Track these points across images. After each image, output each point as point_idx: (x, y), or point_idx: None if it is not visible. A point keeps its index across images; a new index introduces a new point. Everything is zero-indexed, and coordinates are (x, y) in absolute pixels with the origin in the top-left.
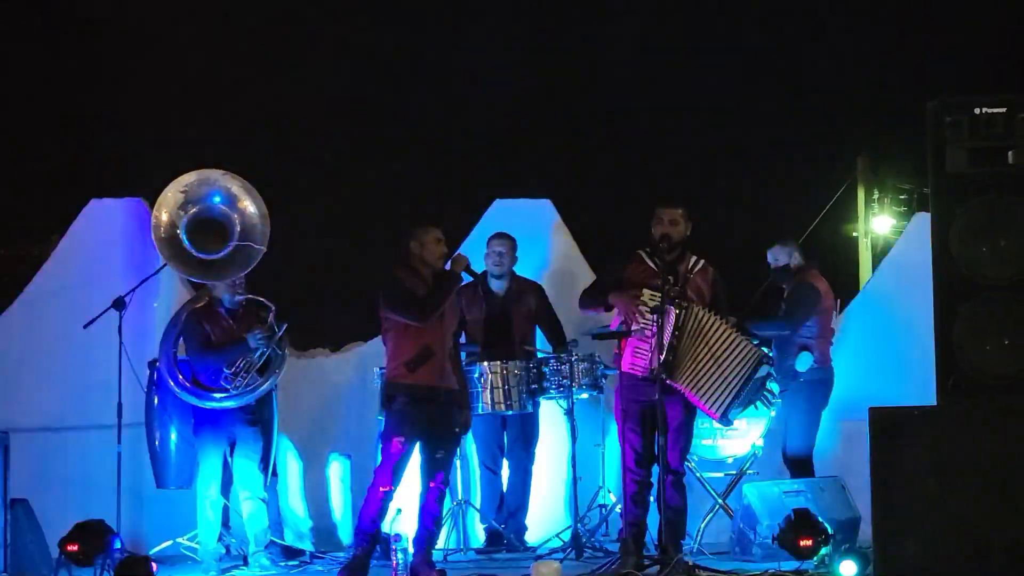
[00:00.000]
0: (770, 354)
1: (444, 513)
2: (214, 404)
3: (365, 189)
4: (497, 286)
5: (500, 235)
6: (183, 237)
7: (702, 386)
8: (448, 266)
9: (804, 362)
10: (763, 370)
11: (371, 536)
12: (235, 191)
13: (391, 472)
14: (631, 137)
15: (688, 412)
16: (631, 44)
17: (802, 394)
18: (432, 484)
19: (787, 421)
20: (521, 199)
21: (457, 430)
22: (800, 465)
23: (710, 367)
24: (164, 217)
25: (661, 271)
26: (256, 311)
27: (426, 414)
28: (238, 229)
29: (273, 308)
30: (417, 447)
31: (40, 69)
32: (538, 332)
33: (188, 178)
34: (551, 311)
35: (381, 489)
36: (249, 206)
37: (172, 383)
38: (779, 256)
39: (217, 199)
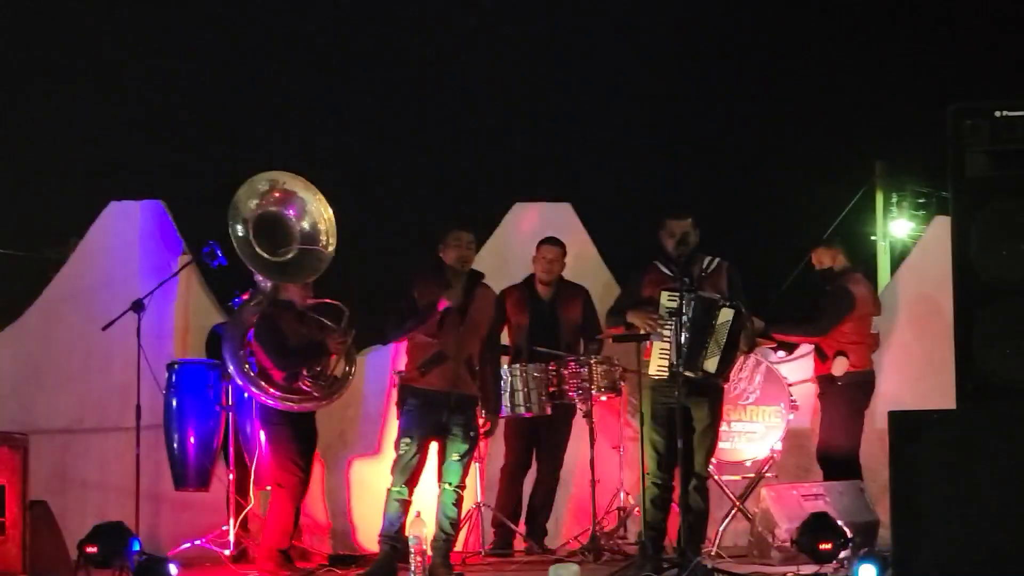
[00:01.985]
0: (726, 301)
1: (461, 516)
2: (296, 405)
3: (385, 192)
4: (544, 291)
5: (551, 241)
6: (251, 238)
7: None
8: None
9: (839, 366)
10: (723, 314)
11: (390, 538)
12: (301, 195)
13: (399, 472)
14: (651, 141)
15: (713, 415)
16: (650, 48)
17: (840, 397)
18: (448, 487)
19: (825, 423)
20: (541, 202)
21: (472, 434)
22: (841, 467)
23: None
24: (239, 219)
25: (676, 275)
26: (324, 313)
27: (436, 417)
28: (305, 232)
29: (347, 311)
30: (434, 449)
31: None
32: None
33: (260, 180)
34: (594, 315)
35: (389, 489)
36: (317, 210)
37: (254, 383)
38: (822, 259)
39: (289, 202)
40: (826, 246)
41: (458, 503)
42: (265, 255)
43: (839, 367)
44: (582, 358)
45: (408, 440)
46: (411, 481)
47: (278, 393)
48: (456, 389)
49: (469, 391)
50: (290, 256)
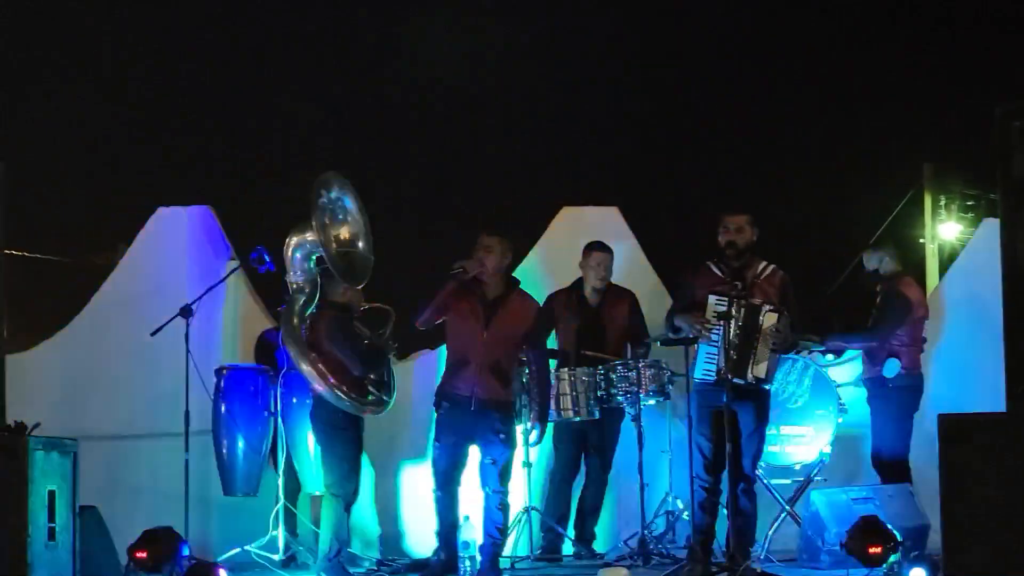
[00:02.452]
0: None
1: (509, 520)
2: (368, 410)
3: (433, 198)
4: (593, 295)
5: (601, 247)
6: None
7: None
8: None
9: (891, 368)
10: (768, 319)
11: (444, 540)
12: (352, 199)
13: (437, 475)
14: (699, 145)
15: (760, 419)
16: (700, 52)
17: (891, 400)
18: (491, 491)
19: (877, 426)
20: (589, 207)
21: (503, 437)
22: (893, 469)
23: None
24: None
25: (727, 277)
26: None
27: (463, 421)
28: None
29: (394, 314)
30: (472, 453)
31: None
32: None
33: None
34: (641, 319)
35: (435, 492)
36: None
37: (325, 387)
38: (870, 261)
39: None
40: (876, 249)
41: (501, 507)
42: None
43: (891, 370)
44: (630, 362)
45: (438, 444)
46: (448, 483)
47: (354, 396)
48: (478, 393)
49: (495, 396)
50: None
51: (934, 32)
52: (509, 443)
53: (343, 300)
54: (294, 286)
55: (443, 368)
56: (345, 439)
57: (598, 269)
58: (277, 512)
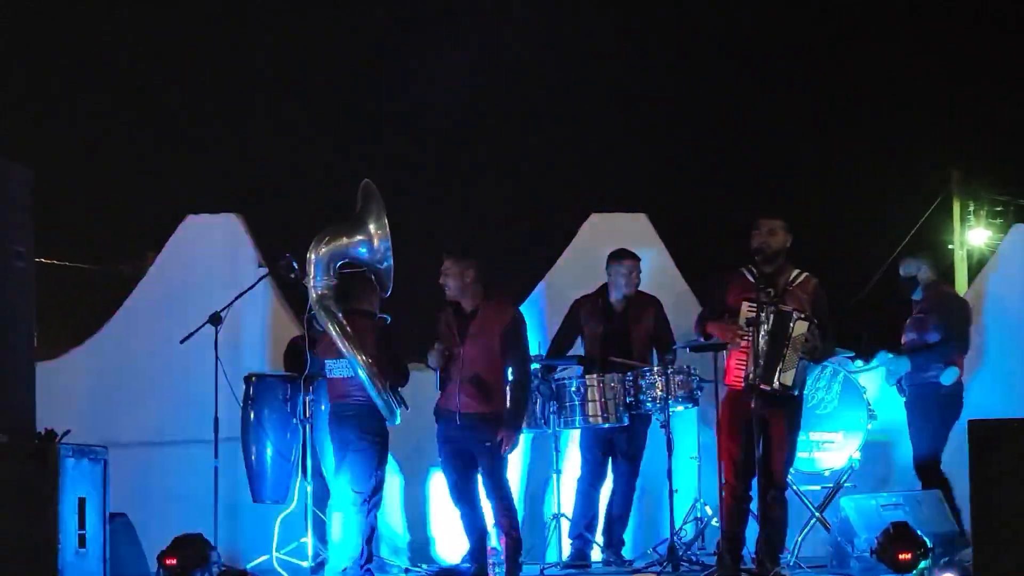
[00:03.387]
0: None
1: (517, 518)
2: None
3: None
4: (618, 302)
5: (627, 256)
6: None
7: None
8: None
9: (951, 376)
10: (798, 327)
11: (474, 554)
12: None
13: (450, 491)
14: (727, 151)
15: (791, 425)
16: (730, 59)
17: (941, 406)
18: (493, 501)
19: (922, 432)
20: (617, 213)
21: (488, 445)
22: (934, 473)
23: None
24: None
25: (759, 283)
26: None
27: (453, 436)
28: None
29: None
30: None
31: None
32: None
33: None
34: (667, 325)
35: (456, 508)
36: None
37: (380, 389)
38: (909, 268)
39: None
40: (914, 256)
41: (503, 511)
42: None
43: (950, 377)
44: (658, 368)
45: (440, 460)
46: (461, 497)
47: (395, 401)
48: (461, 410)
49: (476, 410)
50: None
51: (963, 39)
52: (497, 449)
53: (371, 308)
54: (316, 294)
55: None
56: (371, 443)
57: (630, 277)
58: (306, 519)
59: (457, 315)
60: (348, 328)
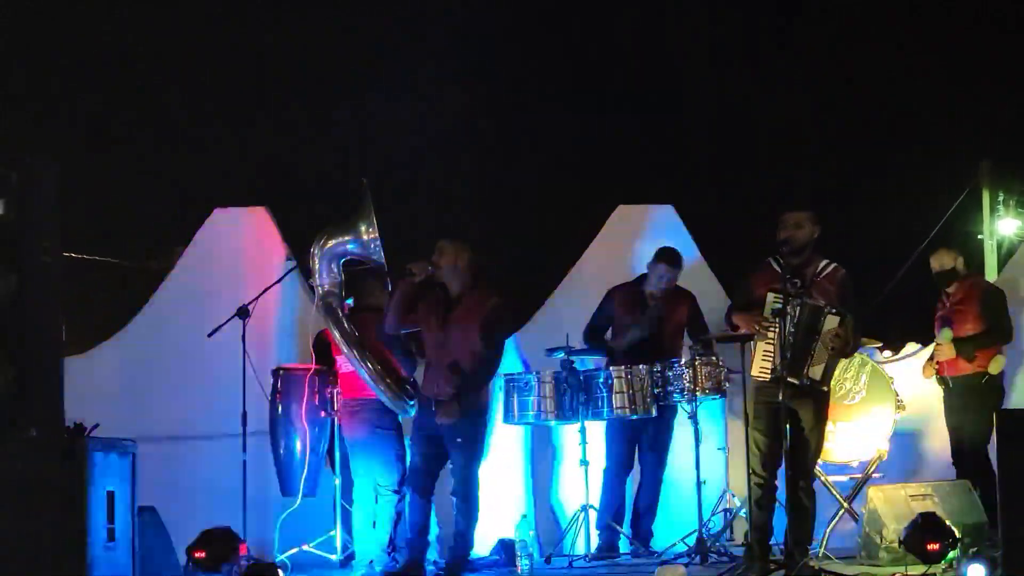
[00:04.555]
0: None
1: (473, 528)
2: (408, 408)
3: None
4: (652, 295)
5: (669, 259)
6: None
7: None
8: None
9: (998, 364)
10: (829, 321)
11: (411, 542)
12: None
13: (412, 480)
14: (755, 142)
15: (818, 416)
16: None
17: (985, 395)
18: (452, 496)
19: (966, 419)
20: (644, 204)
21: (460, 440)
22: (976, 461)
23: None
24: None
25: (786, 274)
26: None
27: (428, 422)
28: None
29: None
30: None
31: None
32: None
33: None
34: (700, 317)
35: (410, 497)
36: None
37: (383, 386)
38: (944, 260)
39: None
40: (948, 248)
41: (461, 513)
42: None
43: (997, 366)
44: (685, 360)
45: (412, 444)
46: (419, 484)
47: (403, 395)
48: (437, 396)
49: (449, 396)
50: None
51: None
52: (469, 449)
53: (378, 302)
54: (322, 290)
55: (503, 363)
56: (388, 437)
57: (656, 278)
58: (334, 512)
59: (442, 299)
60: (346, 325)
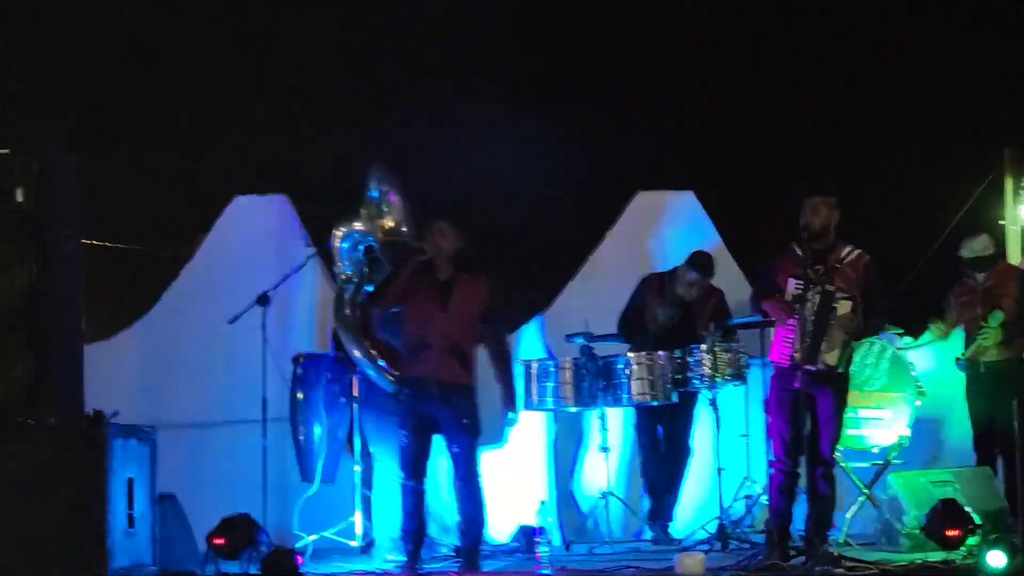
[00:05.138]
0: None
1: (485, 511)
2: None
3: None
4: (683, 290)
5: (701, 266)
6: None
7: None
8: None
9: None
10: (842, 306)
11: (412, 532)
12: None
13: (408, 466)
14: (776, 129)
15: (837, 402)
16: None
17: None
18: (458, 482)
19: (1005, 404)
20: (665, 191)
21: (466, 422)
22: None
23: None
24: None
25: (804, 261)
26: None
27: (426, 407)
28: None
29: None
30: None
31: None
32: None
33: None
34: (728, 313)
35: (403, 484)
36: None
37: (377, 372)
38: (975, 247)
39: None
40: (979, 235)
41: (471, 500)
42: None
43: None
44: (705, 346)
45: (406, 433)
46: (418, 472)
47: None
48: (440, 378)
49: (456, 380)
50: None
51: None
52: (473, 431)
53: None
54: (343, 277)
55: (521, 350)
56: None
57: (688, 289)
58: (355, 499)
59: (435, 281)
60: (348, 320)
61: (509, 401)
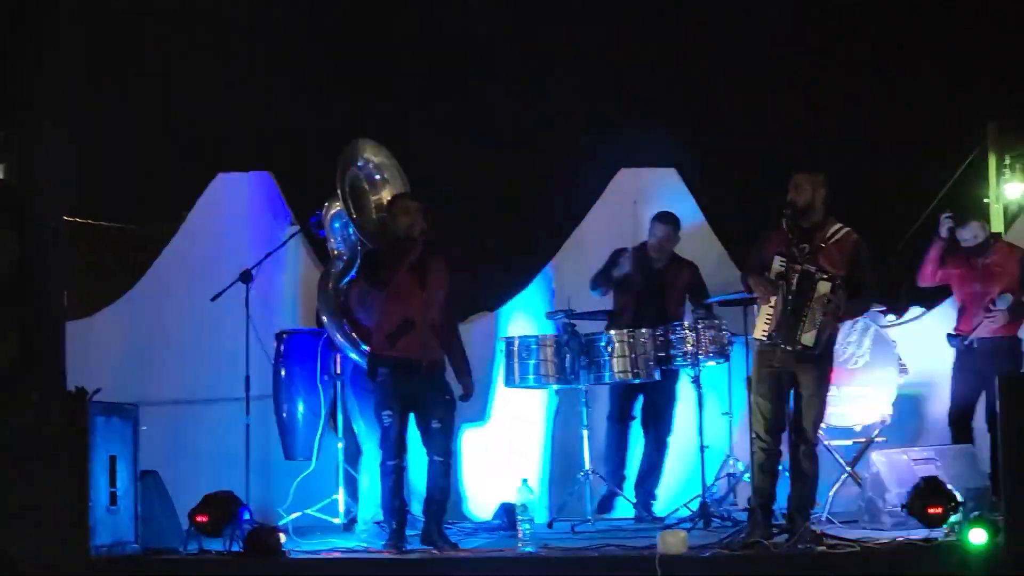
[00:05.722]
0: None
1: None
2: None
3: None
4: (656, 260)
5: (662, 219)
6: (350, 205)
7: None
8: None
9: None
10: (820, 287)
11: (397, 509)
12: (378, 161)
13: (392, 446)
14: (758, 105)
15: (820, 380)
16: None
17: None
18: (438, 459)
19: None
20: (647, 167)
21: (448, 398)
22: None
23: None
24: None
25: (791, 238)
26: None
27: (409, 386)
28: (377, 202)
29: None
30: (412, 421)
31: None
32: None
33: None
34: (703, 287)
35: (389, 463)
36: (394, 180)
37: (357, 355)
38: (967, 233)
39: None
40: (976, 219)
41: (447, 475)
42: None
43: None
44: (688, 323)
45: (390, 412)
46: (402, 453)
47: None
48: (426, 357)
49: (438, 357)
50: (374, 221)
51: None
52: (453, 406)
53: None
54: (334, 253)
55: (506, 332)
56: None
57: (655, 242)
58: (338, 476)
59: (413, 260)
60: (331, 300)
61: (467, 374)
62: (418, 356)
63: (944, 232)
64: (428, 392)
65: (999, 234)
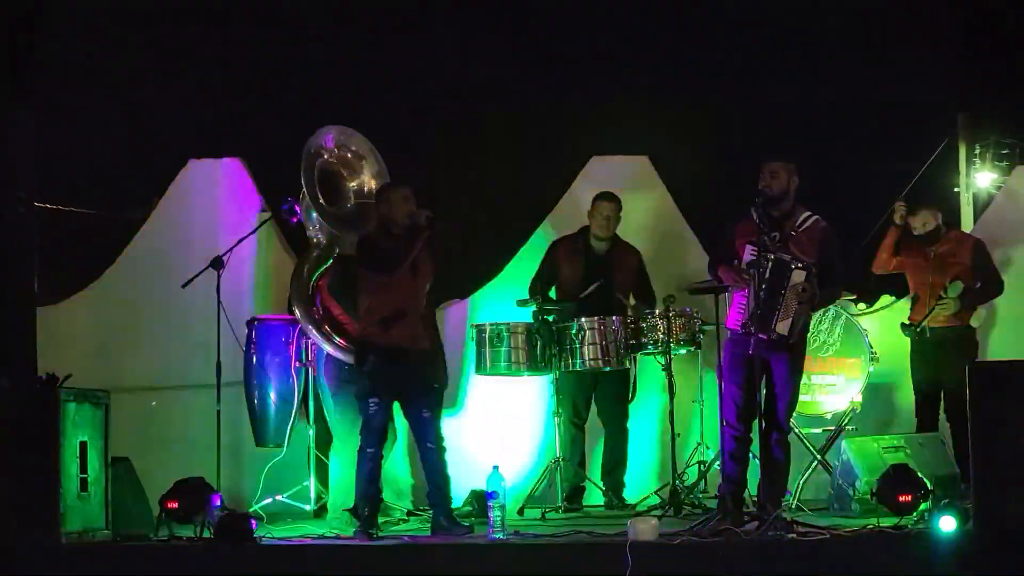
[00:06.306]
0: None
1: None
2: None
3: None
4: (599, 245)
5: (607, 197)
6: (317, 190)
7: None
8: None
9: (979, 318)
10: (795, 276)
11: (372, 497)
12: (355, 148)
13: (373, 434)
14: (729, 94)
15: (793, 368)
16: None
17: (973, 345)
18: (430, 445)
19: (954, 370)
20: (619, 156)
21: (436, 386)
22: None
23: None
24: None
25: (761, 226)
26: None
27: (398, 374)
28: (358, 187)
29: None
30: (398, 410)
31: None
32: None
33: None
34: (646, 277)
35: (368, 451)
36: (370, 164)
37: (333, 348)
38: (928, 221)
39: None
40: (928, 207)
41: (443, 458)
42: (326, 205)
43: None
44: (659, 311)
45: (376, 400)
46: (382, 442)
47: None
48: (417, 345)
49: (427, 345)
50: (349, 209)
51: None
52: (440, 393)
53: (351, 252)
54: (313, 241)
55: (477, 319)
56: (349, 392)
57: (601, 219)
58: (309, 462)
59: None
60: (303, 290)
61: (443, 366)
62: (409, 344)
63: (898, 219)
64: (417, 381)
65: (952, 223)
